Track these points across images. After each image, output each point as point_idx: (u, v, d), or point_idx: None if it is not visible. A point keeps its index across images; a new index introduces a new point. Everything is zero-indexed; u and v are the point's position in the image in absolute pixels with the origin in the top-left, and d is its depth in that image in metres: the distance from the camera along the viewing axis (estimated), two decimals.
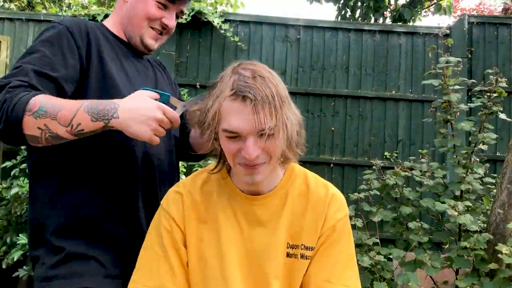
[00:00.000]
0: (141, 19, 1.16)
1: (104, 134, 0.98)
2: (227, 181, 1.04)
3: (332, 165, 3.88)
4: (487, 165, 2.54)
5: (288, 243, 0.99)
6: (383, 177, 2.63)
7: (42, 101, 0.92)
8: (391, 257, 2.31)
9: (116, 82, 1.08)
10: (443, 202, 2.28)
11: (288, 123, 0.89)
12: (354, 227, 2.30)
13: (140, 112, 0.94)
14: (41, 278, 1.01)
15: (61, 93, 1.00)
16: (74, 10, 6.64)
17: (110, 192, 1.07)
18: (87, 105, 0.93)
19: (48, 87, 0.98)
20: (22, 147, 2.97)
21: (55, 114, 0.91)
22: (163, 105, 0.97)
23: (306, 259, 0.98)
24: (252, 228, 0.99)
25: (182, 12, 1.23)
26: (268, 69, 0.93)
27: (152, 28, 1.18)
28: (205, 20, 3.85)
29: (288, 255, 0.99)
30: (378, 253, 2.29)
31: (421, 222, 2.36)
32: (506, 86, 2.53)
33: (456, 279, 2.29)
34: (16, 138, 0.93)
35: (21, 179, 2.77)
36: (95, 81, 1.06)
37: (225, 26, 3.85)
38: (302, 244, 0.99)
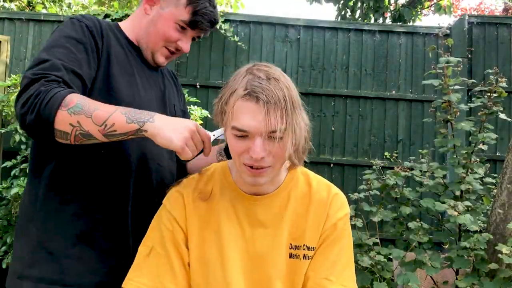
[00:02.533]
0: (158, 38, 1.16)
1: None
2: (229, 181, 1.03)
3: (332, 165, 3.88)
4: (487, 165, 2.54)
5: (290, 244, 0.99)
6: (383, 177, 2.63)
7: (79, 99, 0.93)
8: (391, 257, 2.31)
9: (118, 86, 1.08)
10: (443, 202, 2.27)
11: (297, 128, 0.90)
12: (354, 227, 2.30)
13: (174, 121, 0.96)
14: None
15: (83, 92, 1.01)
16: (75, 10, 6.65)
17: (100, 200, 1.06)
18: (123, 108, 0.95)
19: (77, 85, 0.99)
20: (22, 147, 2.97)
21: (90, 112, 0.91)
22: (197, 123, 0.99)
23: (308, 259, 0.99)
24: (254, 229, 0.99)
25: (199, 37, 1.22)
26: (282, 72, 0.93)
27: (166, 47, 1.18)
28: None
29: (290, 256, 0.99)
30: (378, 253, 2.28)
31: (421, 222, 2.36)
32: (506, 86, 2.53)
33: (456, 279, 2.29)
34: (44, 132, 0.92)
35: (21, 179, 2.78)
36: (99, 82, 1.07)
37: (225, 26, 3.85)
38: (304, 245, 0.99)
